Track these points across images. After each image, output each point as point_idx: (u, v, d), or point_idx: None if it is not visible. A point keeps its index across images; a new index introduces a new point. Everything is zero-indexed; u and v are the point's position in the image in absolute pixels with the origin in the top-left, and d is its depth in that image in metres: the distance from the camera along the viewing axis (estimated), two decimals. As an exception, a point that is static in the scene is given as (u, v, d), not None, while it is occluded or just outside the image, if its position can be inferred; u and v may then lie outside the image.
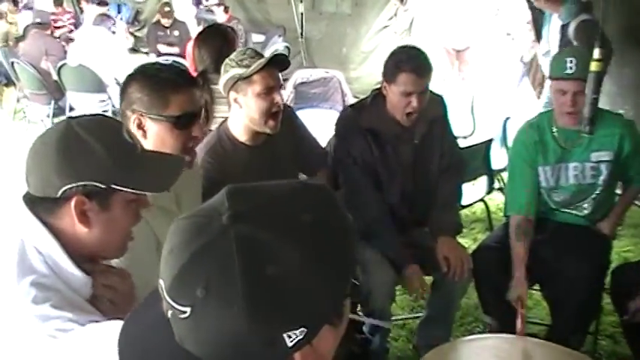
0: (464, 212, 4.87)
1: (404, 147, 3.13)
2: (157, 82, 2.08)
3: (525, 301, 2.95)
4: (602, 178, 3.17)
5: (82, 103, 7.12)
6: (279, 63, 2.80)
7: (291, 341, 0.87)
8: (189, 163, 2.14)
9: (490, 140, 4.28)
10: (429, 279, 3.17)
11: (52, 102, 7.35)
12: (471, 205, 4.50)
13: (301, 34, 9.64)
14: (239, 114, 2.82)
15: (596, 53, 2.49)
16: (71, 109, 7.18)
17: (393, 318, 3.71)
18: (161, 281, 0.91)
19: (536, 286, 3.29)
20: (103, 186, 1.46)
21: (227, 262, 0.86)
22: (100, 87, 7.02)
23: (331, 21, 9.74)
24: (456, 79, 6.87)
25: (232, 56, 2.82)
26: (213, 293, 0.86)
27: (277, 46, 8.29)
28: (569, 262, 3.02)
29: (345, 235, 0.97)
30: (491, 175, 4.31)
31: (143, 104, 2.06)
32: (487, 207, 4.42)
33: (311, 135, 3.23)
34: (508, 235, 3.14)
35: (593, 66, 2.50)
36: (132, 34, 11.41)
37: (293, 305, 0.87)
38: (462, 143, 4.41)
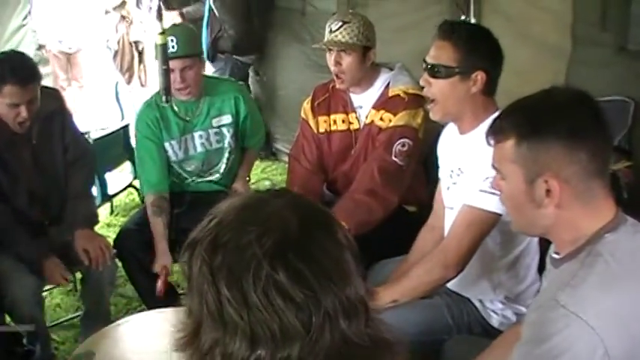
0: (120, 200, 4.90)
1: (22, 149, 3.02)
2: None
3: (169, 269, 3.11)
4: (227, 141, 3.38)
5: None
6: None
7: None
8: None
9: (127, 125, 4.31)
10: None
11: None
12: (120, 192, 4.51)
13: None
14: None
15: (159, 27, 2.64)
16: None
17: (58, 321, 3.63)
18: None
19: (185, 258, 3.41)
20: None
21: None
22: None
23: (-39, 26, 8.94)
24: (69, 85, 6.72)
25: None
26: None
27: None
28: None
29: None
30: (135, 158, 4.35)
31: None
32: (138, 191, 4.47)
33: None
34: (147, 214, 3.22)
35: (158, 39, 2.63)
36: None
37: None
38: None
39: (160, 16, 2.64)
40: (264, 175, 5.64)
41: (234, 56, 5.67)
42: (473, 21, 4.23)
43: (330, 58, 2.93)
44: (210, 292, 0.89)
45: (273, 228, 0.90)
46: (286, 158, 5.27)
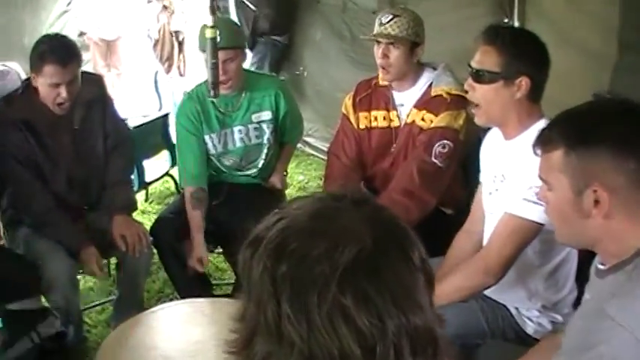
0: (155, 188, 4.94)
1: (63, 134, 3.07)
2: None
3: (205, 260, 3.13)
4: (266, 137, 3.37)
5: None
6: None
7: None
8: None
9: (166, 114, 4.34)
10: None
11: None
12: (157, 180, 4.55)
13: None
14: None
15: (210, 20, 2.64)
16: None
17: (91, 304, 3.68)
18: None
19: (219, 249, 3.46)
20: None
21: None
22: None
23: (6, 10, 9.08)
24: (108, 71, 6.76)
25: None
26: None
27: None
28: (244, 220, 3.18)
29: None
30: (173, 148, 4.37)
31: None
32: (175, 180, 4.50)
33: None
34: (184, 204, 3.23)
35: (209, 33, 2.64)
36: None
37: None
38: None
39: (212, 11, 2.64)
40: (299, 170, 5.64)
41: (272, 37, 5.84)
42: (516, 24, 4.18)
43: (378, 51, 2.93)
44: (270, 304, 0.84)
45: (345, 244, 0.84)
46: (321, 154, 5.29)
